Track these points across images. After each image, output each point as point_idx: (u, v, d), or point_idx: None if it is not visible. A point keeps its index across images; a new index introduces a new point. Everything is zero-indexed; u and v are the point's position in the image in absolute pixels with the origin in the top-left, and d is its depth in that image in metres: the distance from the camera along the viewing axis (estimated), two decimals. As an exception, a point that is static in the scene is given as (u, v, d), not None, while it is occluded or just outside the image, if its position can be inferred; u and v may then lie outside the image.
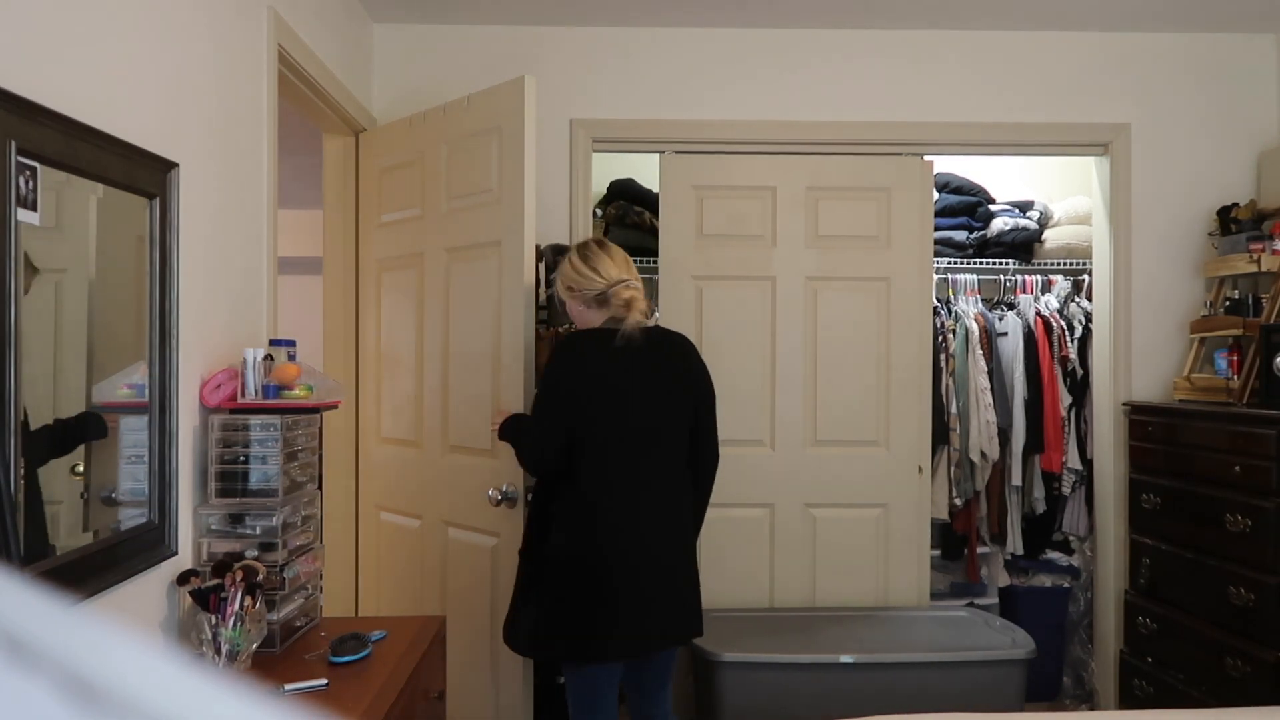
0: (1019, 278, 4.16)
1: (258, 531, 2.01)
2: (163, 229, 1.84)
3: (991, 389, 3.95)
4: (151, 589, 1.83)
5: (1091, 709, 3.84)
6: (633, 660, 2.36)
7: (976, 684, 2.96)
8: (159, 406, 1.84)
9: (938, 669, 2.97)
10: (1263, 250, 3.29)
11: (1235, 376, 3.27)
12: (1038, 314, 4.02)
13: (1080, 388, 3.98)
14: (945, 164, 4.23)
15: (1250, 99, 3.66)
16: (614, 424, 2.27)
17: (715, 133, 3.58)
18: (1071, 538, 4.10)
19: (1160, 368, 3.64)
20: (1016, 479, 3.96)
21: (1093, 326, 3.87)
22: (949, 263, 4.12)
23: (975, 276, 4.13)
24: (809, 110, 3.61)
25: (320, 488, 2.34)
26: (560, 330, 3.26)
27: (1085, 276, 4.08)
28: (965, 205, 4.19)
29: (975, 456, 3.91)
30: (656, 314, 3.55)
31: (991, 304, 4.15)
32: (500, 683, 2.82)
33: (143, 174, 1.76)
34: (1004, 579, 4.06)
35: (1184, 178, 3.65)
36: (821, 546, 3.56)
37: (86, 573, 1.56)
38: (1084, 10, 3.45)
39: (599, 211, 3.97)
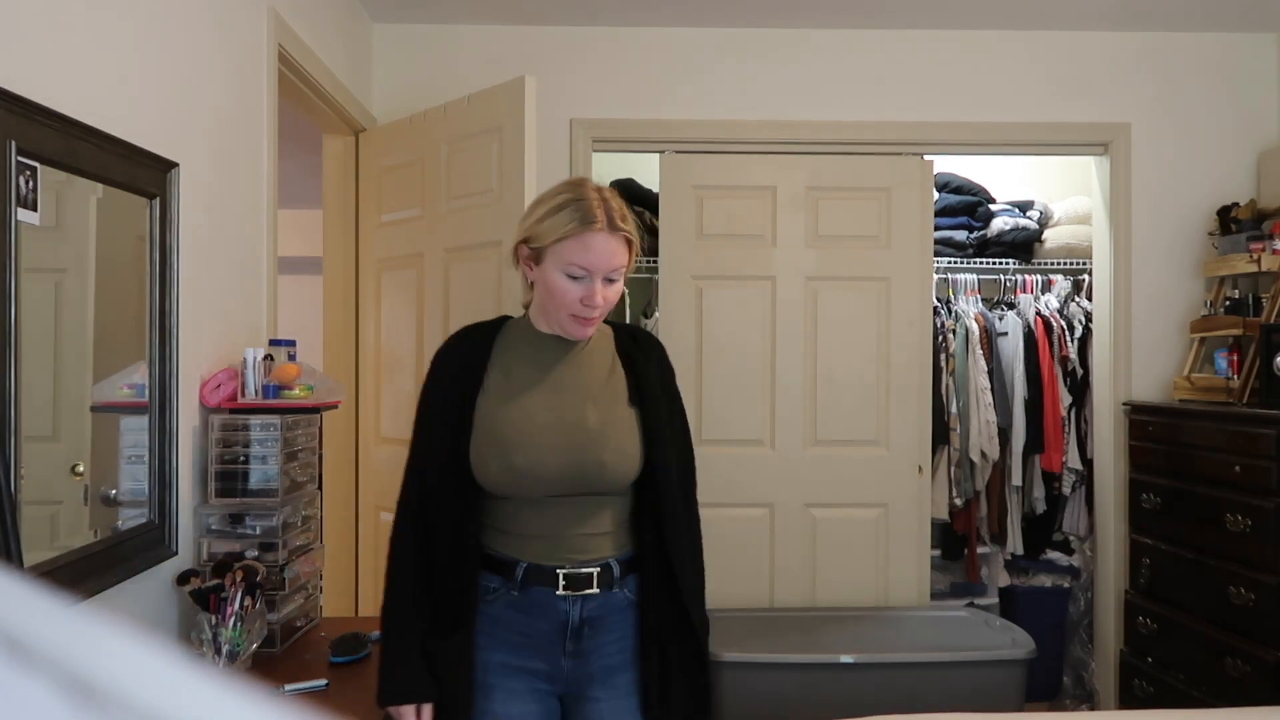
0: (1019, 278, 4.16)
1: (258, 531, 2.01)
2: (163, 229, 1.84)
3: (991, 389, 3.94)
4: (151, 589, 1.83)
5: (1091, 709, 3.83)
6: None
7: (976, 684, 2.96)
8: (159, 406, 1.84)
9: (938, 669, 2.97)
10: (1263, 250, 3.29)
11: (1235, 376, 3.27)
12: (1038, 314, 4.01)
13: (1080, 388, 3.98)
14: (945, 164, 4.23)
15: (1250, 99, 3.66)
16: None
17: (715, 132, 3.58)
18: (1071, 538, 4.10)
19: (1160, 368, 3.64)
20: (1016, 479, 3.96)
21: (1093, 326, 3.87)
22: (949, 262, 4.11)
23: (975, 276, 4.13)
24: (809, 110, 3.61)
25: (320, 488, 2.35)
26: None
27: (1085, 276, 4.08)
28: (965, 205, 4.19)
29: (975, 456, 3.91)
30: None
31: (991, 304, 4.15)
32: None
33: (143, 174, 1.76)
34: (1004, 579, 4.06)
35: (1184, 178, 3.65)
36: (821, 546, 3.56)
37: (87, 572, 1.56)
38: (1084, 10, 3.45)
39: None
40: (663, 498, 1.61)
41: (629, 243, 1.59)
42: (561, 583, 1.58)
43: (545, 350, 1.65)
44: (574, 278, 1.55)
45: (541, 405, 1.60)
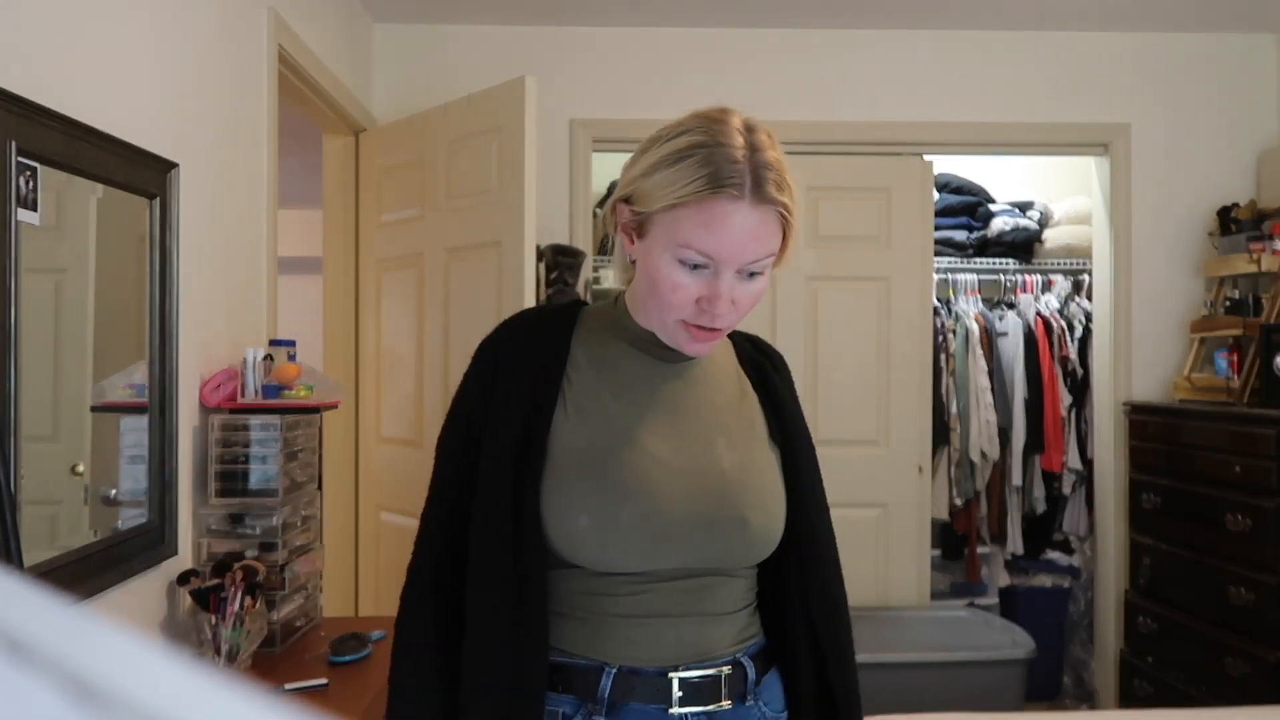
0: (1019, 278, 4.16)
1: (258, 531, 2.01)
2: (163, 229, 1.84)
3: (992, 389, 3.95)
4: (151, 589, 1.83)
5: (1091, 709, 3.83)
6: None
7: (976, 684, 2.96)
8: (159, 406, 1.84)
9: (938, 669, 2.97)
10: (1263, 250, 3.29)
11: (1235, 376, 3.27)
12: (1038, 314, 4.02)
13: (1080, 388, 3.98)
14: (945, 164, 4.23)
15: (1250, 99, 3.66)
16: None
17: (715, 133, 3.58)
18: (1072, 537, 4.10)
19: (1160, 368, 3.64)
20: (1017, 479, 3.96)
21: (1093, 326, 3.88)
22: (949, 262, 4.11)
23: (975, 276, 4.13)
24: (809, 110, 3.61)
25: (320, 488, 2.35)
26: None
27: (1085, 276, 4.08)
28: (965, 205, 4.19)
29: (975, 456, 3.91)
30: None
31: (992, 304, 4.15)
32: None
33: (143, 174, 1.76)
34: (1004, 579, 4.06)
35: (1184, 178, 3.65)
36: (821, 546, 3.56)
37: (87, 572, 1.56)
38: (1084, 10, 3.45)
39: (599, 211, 3.97)
40: (814, 571, 1.13)
41: (783, 219, 1.07)
42: (676, 694, 1.03)
43: (650, 354, 1.12)
44: (691, 266, 1.01)
45: (655, 434, 1.07)
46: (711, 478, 1.06)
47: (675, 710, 1.03)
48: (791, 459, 1.14)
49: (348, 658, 1.96)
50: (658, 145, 1.05)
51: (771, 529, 1.08)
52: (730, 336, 1.21)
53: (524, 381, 1.08)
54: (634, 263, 1.09)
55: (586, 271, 3.52)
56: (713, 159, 1.00)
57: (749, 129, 1.06)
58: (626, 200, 1.06)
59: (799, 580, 1.12)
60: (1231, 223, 3.50)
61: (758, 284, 1.05)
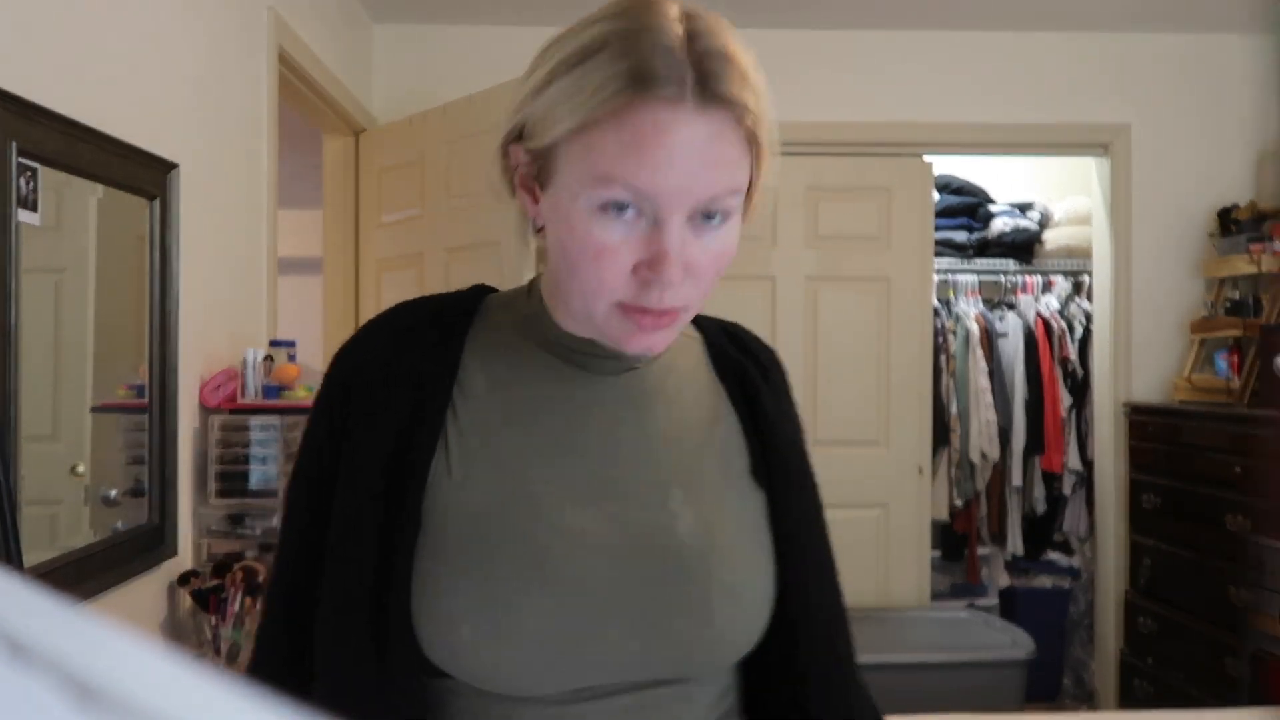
0: (1019, 278, 4.16)
1: (258, 532, 2.01)
2: (163, 229, 1.84)
3: (992, 389, 3.95)
4: (151, 589, 1.83)
5: (1091, 709, 3.84)
6: None
7: (976, 684, 2.96)
8: (159, 406, 1.84)
9: (938, 669, 2.97)
10: (1263, 250, 3.29)
11: (1235, 377, 3.27)
12: (1038, 314, 4.02)
13: (1080, 388, 3.98)
14: (945, 164, 4.23)
15: (1249, 99, 3.66)
16: None
17: (715, 133, 3.58)
18: (1072, 538, 4.10)
19: (1160, 368, 3.64)
20: (1017, 479, 3.96)
21: (1093, 327, 3.88)
22: (949, 263, 4.11)
23: (975, 277, 4.13)
24: (809, 110, 3.60)
25: (320, 488, 2.34)
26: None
27: (1085, 277, 4.08)
28: (965, 206, 4.19)
29: (975, 457, 3.91)
30: None
31: (992, 304, 4.15)
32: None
33: (143, 174, 1.76)
34: (1004, 579, 4.06)
35: (1184, 178, 3.65)
36: (821, 547, 3.56)
37: (87, 573, 1.56)
38: (1083, 10, 3.45)
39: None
40: (816, 660, 0.78)
41: (749, 130, 0.68)
42: None
43: (576, 365, 0.78)
44: (619, 211, 0.66)
45: (577, 493, 0.74)
46: (661, 554, 0.72)
47: None
48: (782, 504, 0.78)
49: (348, 658, 1.96)
50: (559, 48, 0.73)
51: (752, 619, 0.74)
52: (700, 328, 0.84)
53: (394, 414, 0.74)
54: (541, 231, 0.74)
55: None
56: (633, 46, 0.66)
57: (689, 15, 0.70)
58: (519, 137, 0.72)
59: (786, 671, 0.77)
60: (1231, 223, 3.50)
61: (722, 237, 0.68)
